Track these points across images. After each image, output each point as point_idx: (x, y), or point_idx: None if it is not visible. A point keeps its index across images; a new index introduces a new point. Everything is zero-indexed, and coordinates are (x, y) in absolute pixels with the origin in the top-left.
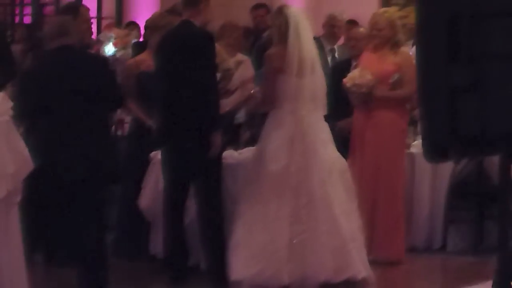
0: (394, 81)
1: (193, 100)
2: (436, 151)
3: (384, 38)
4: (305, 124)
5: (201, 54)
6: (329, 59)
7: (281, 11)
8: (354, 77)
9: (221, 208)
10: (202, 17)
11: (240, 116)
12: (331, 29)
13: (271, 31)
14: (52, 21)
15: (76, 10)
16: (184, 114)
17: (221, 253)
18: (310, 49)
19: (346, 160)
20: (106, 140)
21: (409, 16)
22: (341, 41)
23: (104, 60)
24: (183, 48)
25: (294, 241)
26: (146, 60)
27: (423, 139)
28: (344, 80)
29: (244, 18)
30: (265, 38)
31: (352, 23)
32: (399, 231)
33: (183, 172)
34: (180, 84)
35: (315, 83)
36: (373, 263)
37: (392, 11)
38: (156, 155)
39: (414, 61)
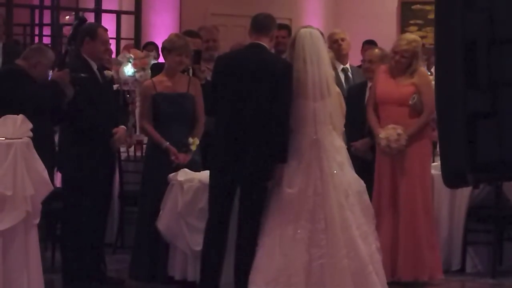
0: (413, 103)
1: (267, 129)
2: (454, 177)
3: (405, 65)
4: (321, 148)
5: (283, 83)
6: (342, 78)
7: (292, 35)
8: (389, 138)
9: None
10: (271, 43)
11: None
12: (334, 46)
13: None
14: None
15: (95, 31)
16: (252, 140)
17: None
18: (320, 72)
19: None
20: None
21: (428, 36)
22: (358, 60)
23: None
24: (265, 74)
25: (314, 264)
26: (163, 81)
27: (442, 165)
28: (378, 138)
29: None
30: None
31: (370, 43)
32: (436, 250)
33: (232, 173)
34: (254, 112)
35: (331, 105)
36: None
37: (419, 41)
38: (175, 176)
39: (430, 80)
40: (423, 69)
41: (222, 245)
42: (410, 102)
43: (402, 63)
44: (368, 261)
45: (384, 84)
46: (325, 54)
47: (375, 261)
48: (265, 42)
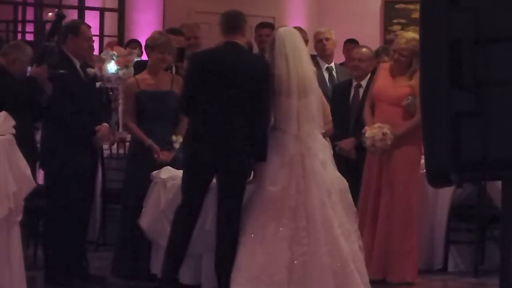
0: (407, 104)
1: (246, 127)
2: (438, 176)
3: (405, 64)
4: (304, 146)
5: (261, 82)
6: (326, 77)
7: (273, 34)
8: (374, 137)
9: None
10: (245, 39)
11: None
12: (320, 45)
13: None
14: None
15: (78, 28)
16: (232, 139)
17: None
18: (303, 68)
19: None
20: None
21: None
22: (340, 59)
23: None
24: (243, 74)
25: (295, 262)
26: (146, 79)
27: (426, 164)
28: (364, 137)
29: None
30: None
31: (353, 42)
32: (412, 253)
33: (207, 164)
34: (233, 110)
35: (313, 103)
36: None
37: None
38: (158, 174)
39: None
40: None
41: (188, 236)
42: (403, 103)
43: (401, 62)
44: (350, 259)
45: (382, 82)
46: (305, 51)
47: (357, 259)
48: (240, 41)
